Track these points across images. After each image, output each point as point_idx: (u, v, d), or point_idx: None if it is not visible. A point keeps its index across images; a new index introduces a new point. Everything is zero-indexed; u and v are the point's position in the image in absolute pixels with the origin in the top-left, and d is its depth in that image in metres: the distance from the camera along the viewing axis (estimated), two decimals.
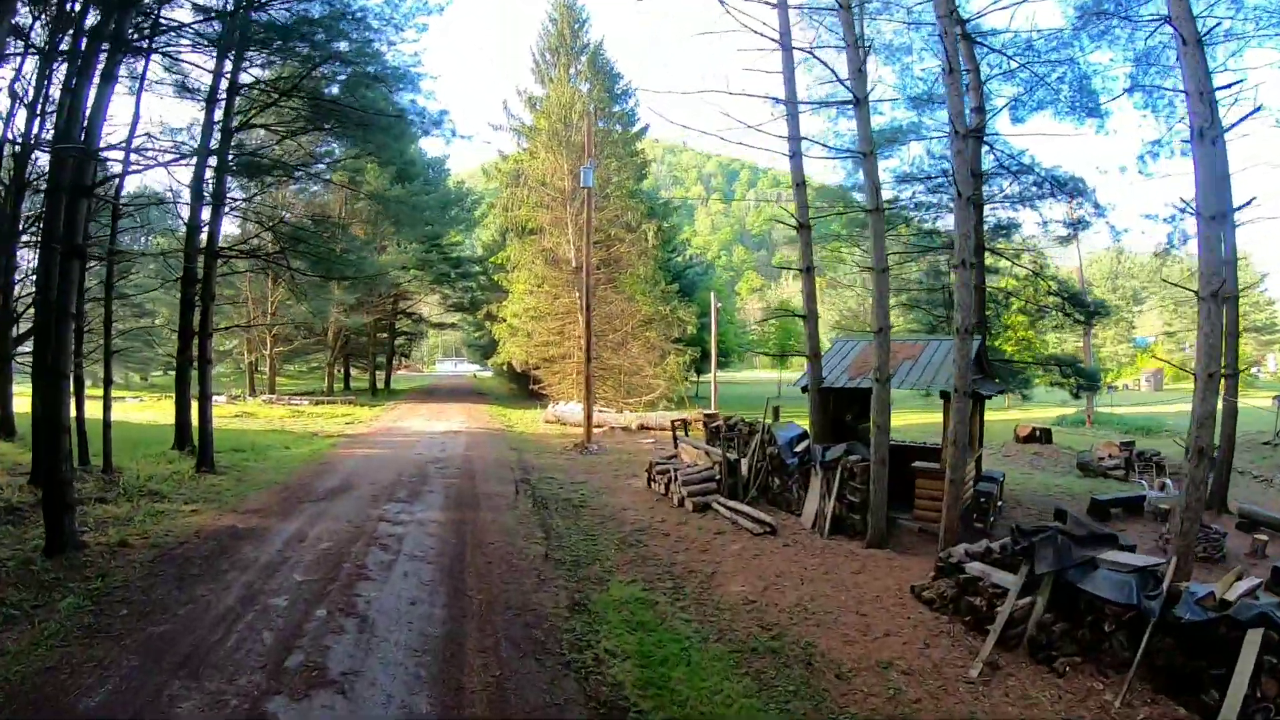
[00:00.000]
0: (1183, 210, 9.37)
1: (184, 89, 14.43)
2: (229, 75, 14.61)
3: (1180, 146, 10.01)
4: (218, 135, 14.59)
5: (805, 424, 14.34)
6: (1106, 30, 10.21)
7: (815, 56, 11.00)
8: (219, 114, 14.57)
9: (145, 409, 28.01)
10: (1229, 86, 7.34)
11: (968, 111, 9.56)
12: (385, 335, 46.22)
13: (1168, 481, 15.06)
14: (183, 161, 13.43)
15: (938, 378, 12.24)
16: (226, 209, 15.63)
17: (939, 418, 21.81)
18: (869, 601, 8.19)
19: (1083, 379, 15.07)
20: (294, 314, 32.54)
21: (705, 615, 7.63)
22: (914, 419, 26.39)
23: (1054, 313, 15.87)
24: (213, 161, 14.29)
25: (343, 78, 15.43)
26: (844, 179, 22.47)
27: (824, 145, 13.91)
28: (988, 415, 14.09)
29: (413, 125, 17.00)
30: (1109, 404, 31.69)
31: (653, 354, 31.55)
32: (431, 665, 5.99)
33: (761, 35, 11.15)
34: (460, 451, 18.69)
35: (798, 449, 12.74)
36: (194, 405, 15.32)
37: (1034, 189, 15.74)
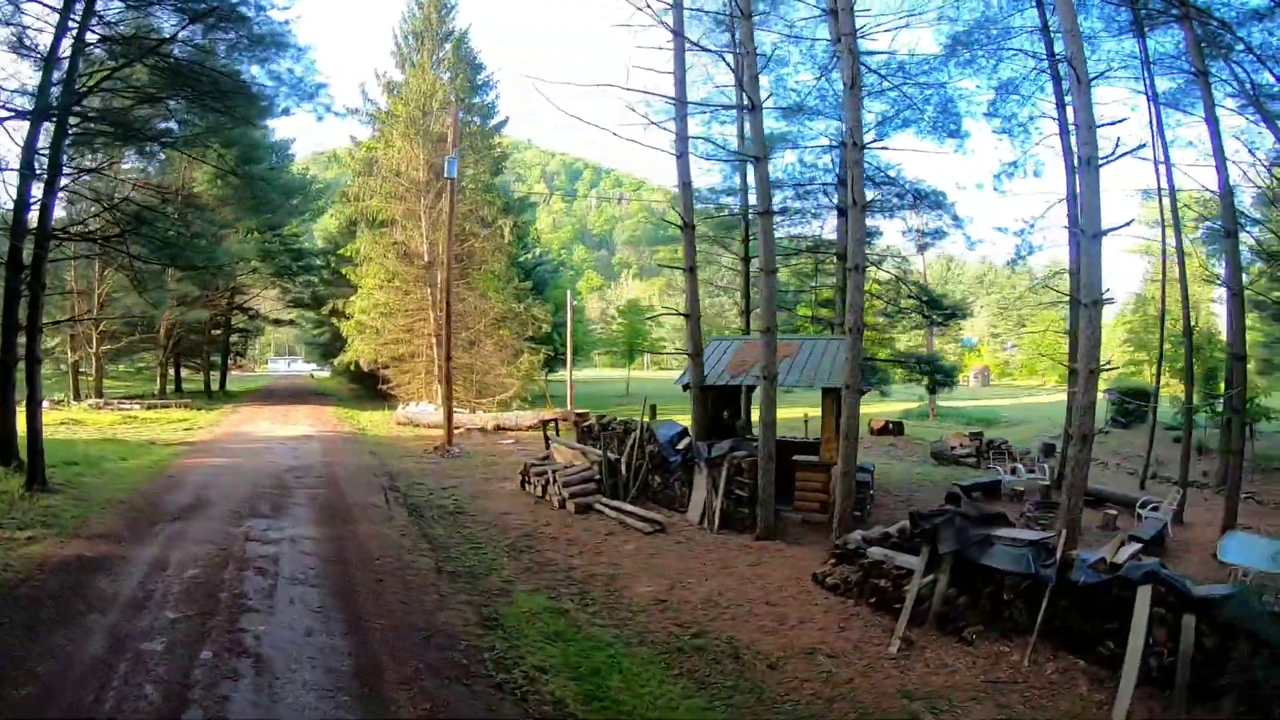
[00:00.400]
0: (1032, 225, 10.52)
1: (21, 45, 12.08)
2: (75, 29, 12.41)
3: (1034, 167, 11.23)
4: (57, 98, 12.37)
5: (683, 421, 14.56)
6: (972, 59, 11.29)
7: (724, 59, 11.21)
8: (58, 75, 12.33)
9: None
10: (1114, 123, 8.28)
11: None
12: (220, 332, 41.71)
13: (1019, 466, 16.79)
14: (15, 120, 11.17)
15: (819, 375, 12.83)
16: (62, 184, 13.23)
17: (797, 413, 23.13)
18: (774, 591, 8.45)
19: (939, 374, 16.55)
20: (128, 307, 28.38)
21: (620, 620, 7.52)
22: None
23: (912, 314, 17.30)
24: (49, 128, 12.02)
25: (201, 40, 13.51)
26: (719, 182, 23.19)
27: (719, 145, 14.17)
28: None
29: (285, 96, 15.15)
30: (948, 398, 34.91)
31: (506, 352, 31.00)
32: (353, 706, 5.36)
33: (665, 26, 11.13)
34: (317, 458, 17.35)
35: (679, 446, 12.87)
36: (19, 412, 12.97)
37: (896, 200, 17.14)
